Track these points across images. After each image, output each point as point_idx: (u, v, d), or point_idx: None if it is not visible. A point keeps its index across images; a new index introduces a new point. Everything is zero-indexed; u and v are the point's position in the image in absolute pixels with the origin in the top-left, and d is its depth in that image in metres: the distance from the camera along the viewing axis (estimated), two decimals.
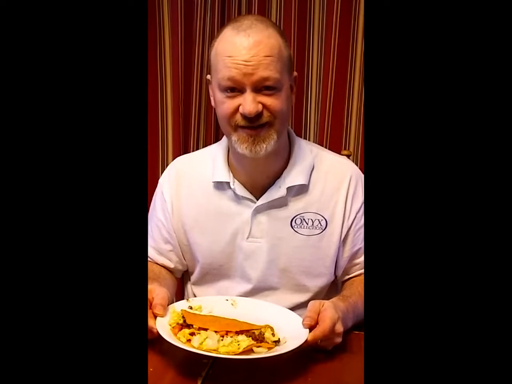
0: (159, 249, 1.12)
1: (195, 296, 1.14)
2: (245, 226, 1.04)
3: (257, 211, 1.03)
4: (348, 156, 1.37)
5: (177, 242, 1.11)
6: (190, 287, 1.17)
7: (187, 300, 0.94)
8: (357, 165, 1.51)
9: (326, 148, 1.50)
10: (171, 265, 1.12)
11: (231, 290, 1.08)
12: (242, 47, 0.89)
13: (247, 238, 1.04)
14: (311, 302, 0.89)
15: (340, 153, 1.32)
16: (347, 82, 1.50)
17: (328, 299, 0.95)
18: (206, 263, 1.09)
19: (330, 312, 0.84)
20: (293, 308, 1.06)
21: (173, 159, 1.57)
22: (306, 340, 0.80)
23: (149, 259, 1.13)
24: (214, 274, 1.10)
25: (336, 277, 1.11)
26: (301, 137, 1.55)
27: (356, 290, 1.02)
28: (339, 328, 0.84)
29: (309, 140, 1.56)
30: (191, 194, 1.08)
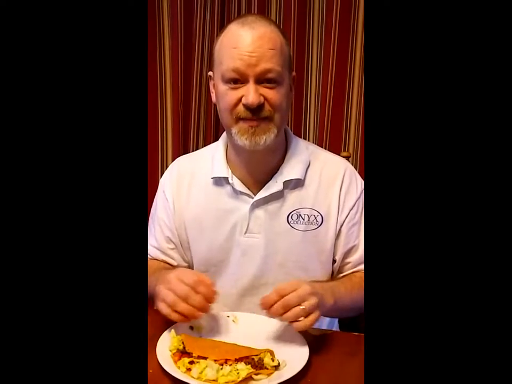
0: (161, 248, 1.14)
1: None
2: (243, 221, 1.05)
3: (254, 206, 1.04)
4: (347, 158, 1.35)
5: (179, 241, 1.12)
6: None
7: None
8: (357, 166, 1.51)
9: (325, 149, 1.49)
10: (174, 263, 1.14)
11: (230, 288, 1.09)
12: (247, 38, 0.92)
13: (245, 233, 1.06)
14: None
15: (339, 155, 1.31)
16: (346, 83, 1.49)
17: None
18: (204, 259, 1.10)
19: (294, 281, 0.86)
20: None
21: (173, 160, 1.56)
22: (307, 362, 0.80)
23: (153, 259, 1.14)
24: (213, 271, 1.11)
25: (332, 273, 1.12)
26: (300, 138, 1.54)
27: (337, 279, 1.05)
28: (306, 288, 0.84)
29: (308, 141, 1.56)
30: (191, 192, 1.10)
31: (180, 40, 1.52)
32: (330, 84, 1.47)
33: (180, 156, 1.56)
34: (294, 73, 1.04)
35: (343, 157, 1.33)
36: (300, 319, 0.83)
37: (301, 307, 0.82)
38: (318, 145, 1.46)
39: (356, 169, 1.17)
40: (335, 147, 1.50)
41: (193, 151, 1.60)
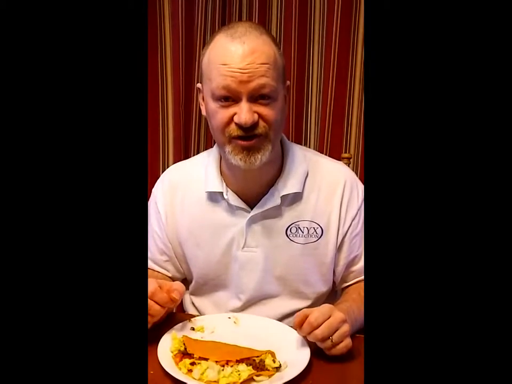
0: (155, 260, 1.12)
1: (194, 305, 1.15)
2: (240, 236, 1.03)
3: (251, 221, 1.01)
4: (349, 159, 1.35)
5: (173, 253, 1.10)
6: (188, 297, 1.17)
7: (189, 320, 0.95)
8: (357, 169, 1.51)
9: (326, 152, 1.49)
10: (169, 274, 1.13)
11: (229, 300, 1.08)
12: (238, 54, 0.86)
13: (243, 248, 1.03)
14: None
15: (340, 157, 1.31)
16: (347, 87, 1.49)
17: None
18: (202, 273, 1.09)
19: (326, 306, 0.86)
20: (293, 314, 1.05)
21: (174, 161, 1.57)
22: (308, 363, 0.80)
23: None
24: (212, 284, 1.10)
25: (335, 283, 1.11)
26: (301, 143, 1.54)
27: (349, 297, 1.02)
28: (338, 317, 0.83)
29: (309, 145, 1.55)
30: (184, 205, 1.07)
31: (181, 41, 1.52)
32: (331, 87, 1.47)
33: (181, 158, 1.57)
34: (288, 83, 0.99)
35: (344, 158, 1.33)
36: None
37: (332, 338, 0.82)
38: (319, 148, 1.46)
39: (357, 174, 1.16)
40: (336, 150, 1.50)
41: (194, 152, 1.61)
